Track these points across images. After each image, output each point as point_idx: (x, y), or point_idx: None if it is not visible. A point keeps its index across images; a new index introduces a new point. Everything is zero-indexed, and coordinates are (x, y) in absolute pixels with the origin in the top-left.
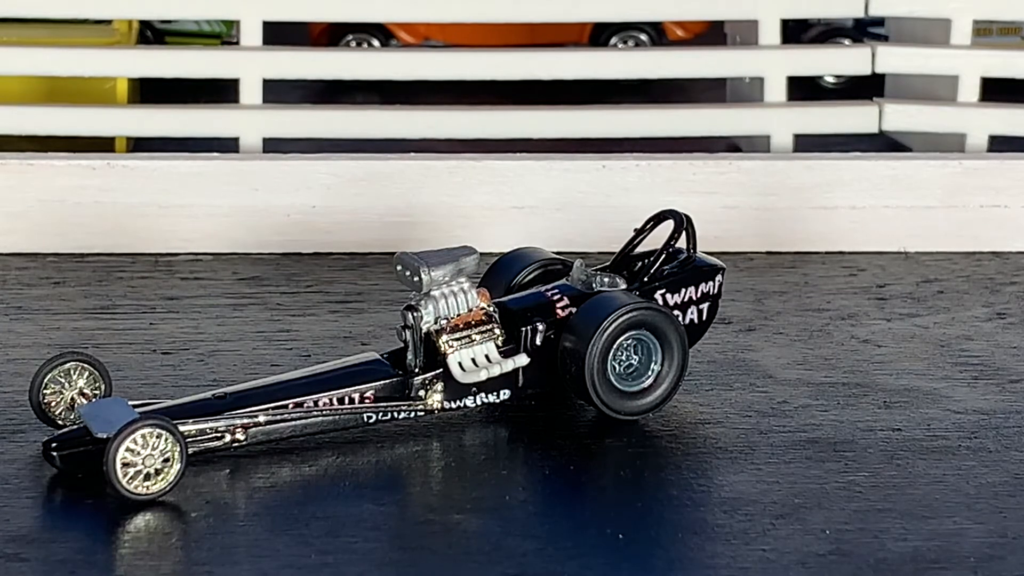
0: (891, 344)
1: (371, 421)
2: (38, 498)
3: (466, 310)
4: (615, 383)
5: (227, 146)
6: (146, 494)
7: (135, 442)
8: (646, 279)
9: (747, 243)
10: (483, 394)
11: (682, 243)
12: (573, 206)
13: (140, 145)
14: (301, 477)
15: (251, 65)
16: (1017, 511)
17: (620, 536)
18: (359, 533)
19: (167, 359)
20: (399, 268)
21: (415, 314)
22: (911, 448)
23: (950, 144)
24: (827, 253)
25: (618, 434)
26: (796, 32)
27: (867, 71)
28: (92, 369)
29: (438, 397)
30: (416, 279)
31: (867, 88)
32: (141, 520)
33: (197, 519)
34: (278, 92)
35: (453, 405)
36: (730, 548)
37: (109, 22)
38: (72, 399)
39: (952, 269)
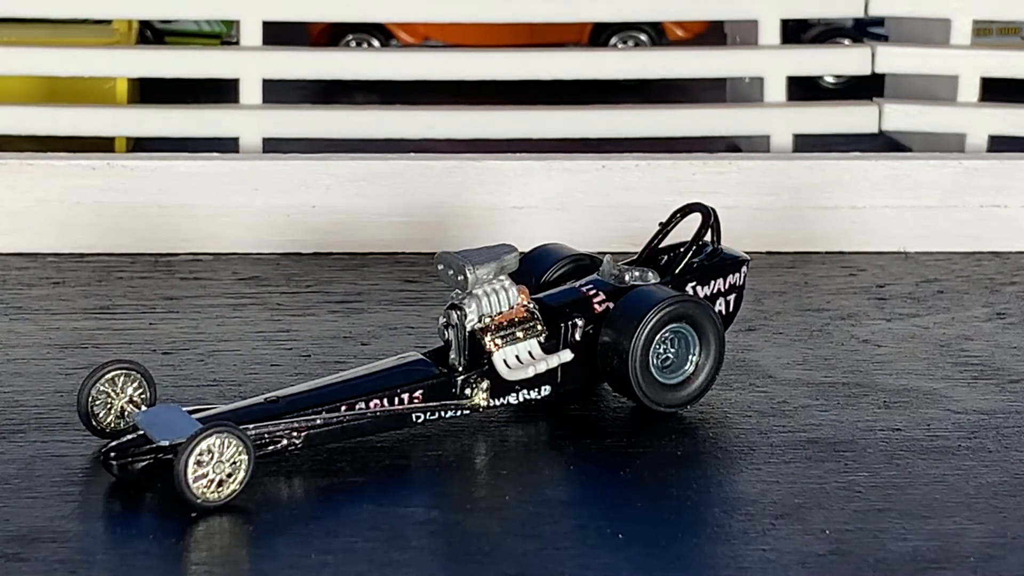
0: (891, 344)
1: (419, 421)
2: (38, 498)
3: (508, 307)
4: (656, 376)
5: (227, 146)
6: (216, 500)
7: (207, 449)
8: (677, 272)
9: (747, 243)
10: (525, 391)
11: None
12: (573, 206)
13: (140, 145)
14: (301, 477)
15: (251, 65)
16: (1017, 511)
17: (620, 536)
18: (359, 533)
19: (167, 359)
20: (441, 267)
21: (459, 312)
22: (911, 448)
23: (950, 144)
24: (827, 253)
25: (618, 434)
26: (796, 32)
27: (867, 71)
28: (139, 377)
29: (483, 395)
30: (461, 278)
31: (867, 88)
32: (141, 520)
33: (196, 520)
34: (278, 92)
35: (497, 402)
36: (730, 548)
37: (109, 22)
38: (122, 408)
39: (952, 269)
